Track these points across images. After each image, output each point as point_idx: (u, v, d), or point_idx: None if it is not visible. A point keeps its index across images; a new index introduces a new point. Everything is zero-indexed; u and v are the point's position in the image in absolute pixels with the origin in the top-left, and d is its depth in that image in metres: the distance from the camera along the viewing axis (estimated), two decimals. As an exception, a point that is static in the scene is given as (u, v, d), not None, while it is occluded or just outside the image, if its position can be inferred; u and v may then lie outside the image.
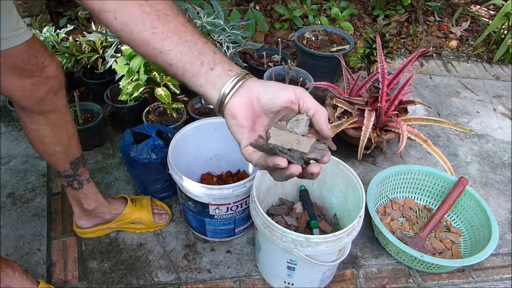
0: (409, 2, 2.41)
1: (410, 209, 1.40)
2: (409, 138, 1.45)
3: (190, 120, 1.46)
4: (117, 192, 1.42)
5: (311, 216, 1.21)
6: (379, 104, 1.45)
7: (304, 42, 2.03)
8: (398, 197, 1.44)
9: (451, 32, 2.50)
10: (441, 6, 2.64)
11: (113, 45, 1.51)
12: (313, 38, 2.06)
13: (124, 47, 1.44)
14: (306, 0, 2.29)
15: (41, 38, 1.71)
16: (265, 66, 1.84)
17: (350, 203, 1.15)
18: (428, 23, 2.54)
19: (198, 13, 1.50)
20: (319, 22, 2.25)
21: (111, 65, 1.47)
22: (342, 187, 1.17)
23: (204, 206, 1.14)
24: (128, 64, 1.41)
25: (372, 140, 1.46)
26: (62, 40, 1.75)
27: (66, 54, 1.68)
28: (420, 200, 1.44)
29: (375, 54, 1.67)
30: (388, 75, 1.49)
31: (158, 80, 1.43)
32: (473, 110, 1.94)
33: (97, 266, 1.21)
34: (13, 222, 1.32)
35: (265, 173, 1.12)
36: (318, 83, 1.60)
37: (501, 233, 1.35)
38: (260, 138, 0.51)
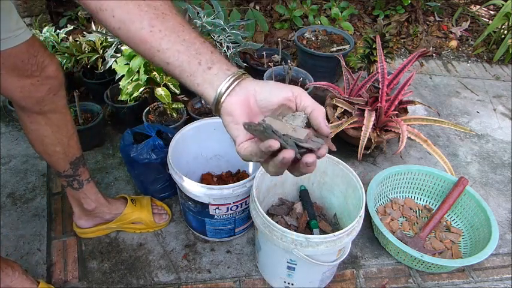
0: (409, 2, 2.41)
1: (410, 209, 1.40)
2: (409, 138, 1.45)
3: (190, 120, 1.46)
4: (117, 192, 1.42)
5: (311, 216, 1.21)
6: (379, 104, 1.45)
7: (304, 42, 2.03)
8: (398, 197, 1.44)
9: (451, 32, 2.50)
10: (441, 6, 2.64)
11: (113, 45, 1.51)
12: (313, 38, 2.06)
13: (124, 47, 1.44)
14: (306, 0, 2.29)
15: (41, 38, 1.71)
16: (265, 66, 1.84)
17: (350, 203, 1.15)
18: (428, 23, 2.54)
19: (198, 13, 1.50)
20: (319, 22, 2.25)
21: (111, 65, 1.47)
22: (342, 187, 1.17)
23: (204, 206, 1.14)
24: (128, 64, 1.41)
25: (372, 140, 1.46)
26: (62, 40, 1.75)
27: (66, 54, 1.68)
28: (420, 200, 1.44)
29: (375, 54, 1.67)
30: (388, 75, 1.49)
31: (158, 80, 1.43)
32: (473, 110, 1.94)
33: (97, 266, 1.21)
34: (13, 222, 1.32)
35: (265, 172, 1.12)
36: (318, 83, 1.60)
37: (501, 233, 1.35)
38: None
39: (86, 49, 1.71)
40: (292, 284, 1.11)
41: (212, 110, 0.51)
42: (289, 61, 1.78)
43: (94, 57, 1.67)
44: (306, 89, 1.62)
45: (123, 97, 1.44)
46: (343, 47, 2.00)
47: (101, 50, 1.69)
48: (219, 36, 1.51)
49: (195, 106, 1.64)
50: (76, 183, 1.13)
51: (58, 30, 1.78)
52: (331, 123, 1.51)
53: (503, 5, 2.25)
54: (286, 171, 0.50)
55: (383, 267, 1.25)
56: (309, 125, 0.50)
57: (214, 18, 1.50)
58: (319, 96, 1.87)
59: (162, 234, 1.31)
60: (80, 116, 1.54)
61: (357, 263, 1.25)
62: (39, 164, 1.53)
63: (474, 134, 1.79)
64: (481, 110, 1.95)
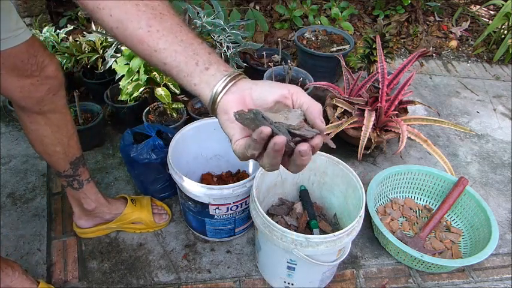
0: (409, 2, 2.41)
1: (410, 209, 1.40)
2: (409, 138, 1.45)
3: (190, 120, 1.46)
4: (117, 192, 1.42)
5: (311, 216, 1.21)
6: (379, 104, 1.45)
7: (304, 42, 2.03)
8: (398, 197, 1.44)
9: (451, 32, 2.50)
10: (441, 6, 2.64)
11: (113, 45, 1.51)
12: (313, 38, 2.06)
13: (124, 47, 1.44)
14: (306, 0, 2.29)
15: (41, 38, 1.71)
16: (265, 66, 1.84)
17: (350, 203, 1.15)
18: (428, 23, 2.54)
19: (198, 13, 1.50)
20: (319, 22, 2.25)
21: (111, 65, 1.47)
22: (342, 187, 1.17)
23: (204, 206, 1.14)
24: (127, 64, 1.41)
25: (372, 140, 1.46)
26: (62, 40, 1.75)
27: (66, 54, 1.68)
28: (420, 200, 1.44)
29: (375, 54, 1.67)
30: (388, 75, 1.49)
31: (158, 80, 1.43)
32: (473, 110, 1.94)
33: (97, 266, 1.21)
34: (13, 222, 1.32)
35: (265, 172, 1.13)
36: (318, 83, 1.60)
37: (501, 233, 1.35)
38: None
39: (86, 49, 1.71)
40: (292, 284, 1.11)
41: (209, 110, 0.51)
42: (289, 61, 1.78)
43: (94, 57, 1.67)
44: (306, 89, 1.62)
45: (123, 97, 1.44)
46: (343, 47, 2.00)
47: (101, 50, 1.69)
48: (219, 36, 1.51)
49: (195, 106, 1.64)
50: (76, 183, 1.13)
51: (58, 30, 1.78)
52: (331, 123, 1.51)
53: (503, 5, 2.25)
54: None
55: (383, 267, 1.25)
56: (305, 122, 0.49)
57: (214, 18, 1.50)
58: (319, 96, 1.87)
59: (162, 234, 1.31)
60: (80, 116, 1.54)
61: (357, 263, 1.25)
62: (39, 164, 1.53)
63: (474, 134, 1.79)
64: (481, 110, 1.95)
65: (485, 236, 1.22)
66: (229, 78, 0.49)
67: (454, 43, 2.41)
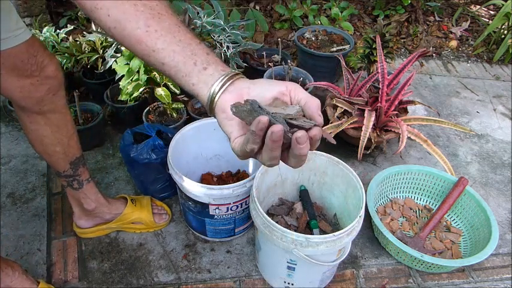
0: (409, 2, 2.41)
1: (410, 209, 1.40)
2: (409, 138, 1.45)
3: (190, 120, 1.46)
4: (117, 192, 1.42)
5: (311, 216, 1.21)
6: (379, 104, 1.45)
7: (304, 42, 2.03)
8: (398, 197, 1.44)
9: (451, 32, 2.50)
10: (441, 6, 2.64)
11: (113, 45, 1.51)
12: (313, 38, 2.06)
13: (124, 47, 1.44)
14: (306, 0, 2.29)
15: (41, 38, 1.71)
16: (265, 66, 1.84)
17: (350, 203, 1.14)
18: (428, 23, 2.54)
19: (198, 13, 1.50)
20: (319, 22, 2.25)
21: (111, 65, 1.47)
22: (342, 187, 1.17)
23: (204, 206, 1.14)
24: (127, 64, 1.41)
25: (372, 140, 1.46)
26: (62, 40, 1.75)
27: (66, 54, 1.68)
28: (420, 200, 1.44)
29: (375, 54, 1.67)
30: (388, 75, 1.49)
31: (158, 80, 1.43)
32: (473, 110, 1.94)
33: (97, 266, 1.21)
34: (13, 222, 1.32)
35: (265, 172, 1.13)
36: (318, 83, 1.60)
37: (501, 233, 1.35)
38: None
39: (86, 49, 1.71)
40: (292, 284, 1.11)
41: (207, 110, 0.51)
42: (289, 61, 1.78)
43: (94, 57, 1.67)
44: (306, 89, 1.62)
45: (123, 97, 1.44)
46: (343, 47, 2.00)
47: (101, 50, 1.69)
48: (219, 36, 1.51)
49: (195, 106, 1.64)
50: (76, 183, 1.13)
51: (58, 30, 1.78)
52: (331, 123, 1.51)
53: (503, 5, 2.25)
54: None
55: (383, 267, 1.25)
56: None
57: (214, 18, 1.50)
58: (319, 96, 1.86)
59: (162, 234, 1.31)
60: (80, 116, 1.54)
61: (357, 263, 1.25)
62: (39, 164, 1.53)
63: (474, 134, 1.79)
64: (481, 110, 1.95)
65: (485, 236, 1.22)
66: (226, 77, 0.49)
67: (454, 43, 2.41)
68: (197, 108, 1.64)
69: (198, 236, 1.30)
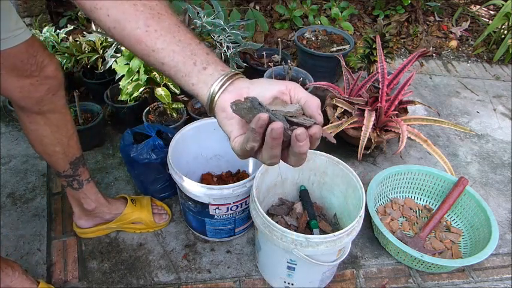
0: (409, 2, 2.41)
1: (410, 209, 1.40)
2: (409, 138, 1.45)
3: (190, 120, 1.46)
4: (117, 192, 1.42)
5: (311, 216, 1.21)
6: (379, 104, 1.45)
7: (304, 42, 2.03)
8: (398, 197, 1.44)
9: (451, 32, 2.50)
10: (441, 6, 2.64)
11: (113, 45, 1.51)
12: (313, 38, 2.06)
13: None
14: (306, 0, 2.29)
15: (41, 38, 1.71)
16: (265, 66, 1.84)
17: (350, 203, 1.14)
18: (428, 23, 2.54)
19: (198, 13, 1.50)
20: (319, 22, 2.25)
21: (111, 65, 1.47)
22: (342, 187, 1.17)
23: (204, 206, 1.14)
24: (127, 64, 1.41)
25: (372, 140, 1.45)
26: (62, 40, 1.75)
27: (66, 54, 1.68)
28: (420, 200, 1.44)
29: (375, 54, 1.67)
30: (388, 75, 1.49)
31: (158, 80, 1.43)
32: (473, 110, 1.94)
33: (97, 266, 1.21)
34: (13, 222, 1.32)
35: (265, 172, 1.13)
36: (318, 83, 1.60)
37: (501, 233, 1.35)
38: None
39: (86, 49, 1.71)
40: (292, 284, 1.11)
41: (206, 109, 0.51)
42: (289, 61, 1.78)
43: (94, 57, 1.67)
44: (306, 89, 1.62)
45: (123, 97, 1.44)
46: (343, 47, 2.00)
47: (101, 50, 1.69)
48: (219, 36, 1.51)
49: (195, 106, 1.64)
50: (76, 183, 1.13)
51: (58, 30, 1.78)
52: (331, 123, 1.51)
53: (503, 5, 2.25)
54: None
55: (383, 267, 1.25)
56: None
57: (214, 18, 1.50)
58: (319, 96, 1.84)
59: (162, 234, 1.31)
60: (80, 116, 1.54)
61: (357, 263, 1.25)
62: (39, 164, 1.53)
63: (474, 134, 1.79)
64: (481, 110, 1.95)
65: (485, 236, 1.22)
66: (226, 77, 0.49)
67: (454, 43, 2.41)
68: (197, 108, 1.64)
69: (198, 236, 1.30)
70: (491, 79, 2.18)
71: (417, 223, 1.36)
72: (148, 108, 1.56)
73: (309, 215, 1.22)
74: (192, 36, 0.52)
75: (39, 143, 1.02)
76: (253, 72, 1.82)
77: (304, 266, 1.02)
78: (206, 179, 1.39)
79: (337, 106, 1.53)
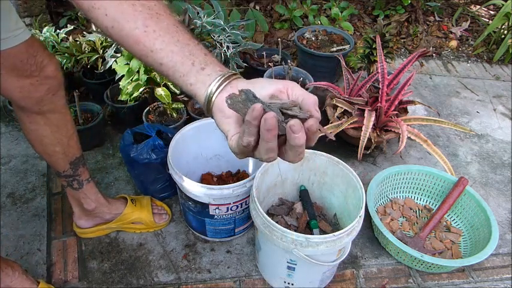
0: (409, 2, 2.41)
1: (410, 209, 1.40)
2: (409, 138, 1.45)
3: (190, 120, 1.46)
4: (117, 192, 1.42)
5: (311, 216, 1.21)
6: (379, 104, 1.45)
7: (304, 42, 2.03)
8: (398, 197, 1.44)
9: (451, 32, 2.50)
10: (441, 6, 2.64)
11: (113, 45, 1.51)
12: (313, 38, 2.06)
13: (124, 47, 1.44)
14: (306, 0, 2.29)
15: (41, 38, 1.71)
16: (265, 66, 1.84)
17: (350, 203, 1.14)
18: (428, 23, 2.54)
19: (198, 13, 1.50)
20: (319, 22, 2.25)
21: (111, 65, 1.47)
22: (342, 187, 1.17)
23: (204, 206, 1.14)
24: (127, 64, 1.41)
25: (372, 140, 1.45)
26: (62, 40, 1.75)
27: (66, 54, 1.68)
28: (420, 200, 1.44)
29: (375, 54, 1.67)
30: (388, 75, 1.49)
31: (158, 80, 1.43)
32: (473, 110, 1.94)
33: (97, 266, 1.21)
34: (13, 222, 1.32)
35: (265, 173, 1.13)
36: (318, 83, 1.60)
37: (501, 233, 1.35)
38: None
39: (86, 49, 1.71)
40: (292, 284, 1.11)
41: (204, 110, 0.51)
42: (289, 61, 1.78)
43: (94, 57, 1.67)
44: (306, 89, 1.62)
45: (123, 97, 1.44)
46: (343, 47, 2.00)
47: (101, 50, 1.69)
48: (219, 36, 1.51)
49: (195, 106, 1.64)
50: (76, 183, 1.13)
51: (58, 30, 1.78)
52: (331, 123, 1.51)
53: (503, 5, 2.25)
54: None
55: (383, 267, 1.25)
56: None
57: (214, 18, 1.50)
58: (319, 96, 1.84)
59: (162, 234, 1.31)
60: (80, 116, 1.54)
61: (357, 263, 1.25)
62: (39, 164, 1.53)
63: (474, 134, 1.79)
64: (481, 110, 1.95)
65: (485, 236, 1.22)
66: (223, 77, 0.49)
67: (454, 43, 2.41)
68: (197, 108, 1.64)
69: (198, 236, 1.30)
70: (491, 79, 2.18)
71: (417, 223, 1.36)
72: (148, 108, 1.56)
73: (309, 215, 1.22)
74: (190, 36, 0.52)
75: (39, 143, 1.02)
76: (253, 72, 1.82)
77: (304, 266, 1.02)
78: (206, 179, 1.39)
79: (337, 106, 1.53)
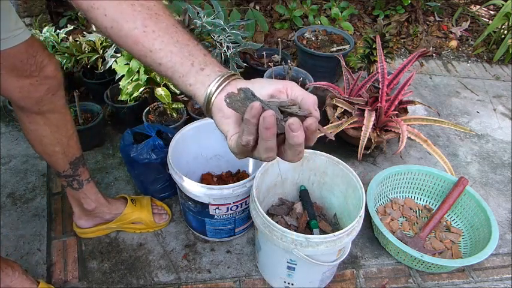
0: (409, 2, 2.41)
1: (410, 209, 1.40)
2: (409, 138, 1.45)
3: (190, 120, 1.46)
4: (117, 192, 1.42)
5: (311, 216, 1.21)
6: (379, 104, 1.45)
7: (304, 42, 2.03)
8: (398, 197, 1.44)
9: (451, 32, 2.50)
10: (441, 6, 2.64)
11: (113, 45, 1.51)
12: (313, 38, 2.06)
13: (124, 47, 1.44)
14: (306, 0, 2.29)
15: (41, 38, 1.71)
16: (265, 66, 1.84)
17: (350, 203, 1.14)
18: (428, 23, 2.54)
19: (198, 13, 1.50)
20: (319, 22, 2.25)
21: (111, 65, 1.47)
22: (342, 187, 1.17)
23: (204, 206, 1.14)
24: (127, 64, 1.41)
25: (372, 140, 1.45)
26: (62, 40, 1.75)
27: (66, 54, 1.68)
28: (420, 200, 1.44)
29: (375, 54, 1.67)
30: (388, 75, 1.49)
31: (158, 80, 1.43)
32: (473, 110, 1.94)
33: (97, 266, 1.21)
34: (13, 222, 1.32)
35: (265, 173, 1.13)
36: (318, 83, 1.60)
37: (501, 233, 1.35)
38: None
39: (86, 49, 1.71)
40: (292, 284, 1.11)
41: (203, 110, 0.51)
42: (289, 61, 1.78)
43: (94, 57, 1.67)
44: (306, 89, 1.62)
45: (123, 97, 1.44)
46: (343, 47, 2.00)
47: (101, 50, 1.69)
48: (219, 36, 1.51)
49: (195, 106, 1.64)
50: (76, 183, 1.13)
51: (58, 30, 1.78)
52: (331, 123, 1.51)
53: (503, 5, 2.25)
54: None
55: (383, 267, 1.25)
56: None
57: (214, 18, 1.50)
58: (319, 96, 1.85)
59: (162, 234, 1.31)
60: (80, 116, 1.54)
61: (357, 263, 1.25)
62: (39, 164, 1.53)
63: (474, 134, 1.79)
64: (481, 110, 1.95)
65: (485, 236, 1.22)
66: (222, 78, 0.49)
67: (454, 43, 2.41)
68: (197, 108, 1.64)
69: (198, 236, 1.30)
70: (491, 79, 2.18)
71: (417, 223, 1.36)
72: (148, 108, 1.56)
73: (309, 215, 1.22)
74: (189, 37, 0.52)
75: (38, 143, 1.02)
76: (253, 72, 1.82)
77: (304, 266, 1.02)
78: (206, 179, 1.39)
79: (337, 106, 1.53)
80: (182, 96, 1.59)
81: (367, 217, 1.28)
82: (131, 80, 1.42)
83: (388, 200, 1.43)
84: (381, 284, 1.20)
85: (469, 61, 2.32)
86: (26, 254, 1.23)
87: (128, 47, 0.51)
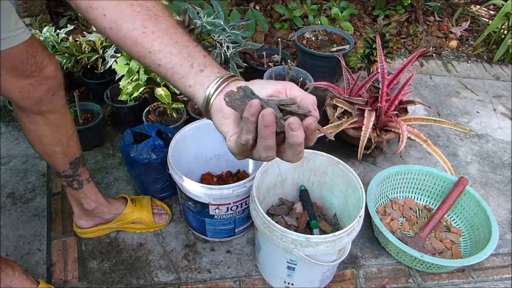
0: (409, 2, 2.41)
1: (410, 209, 1.40)
2: (409, 138, 1.45)
3: (190, 120, 1.46)
4: (117, 192, 1.42)
5: (311, 216, 1.21)
6: (379, 104, 1.45)
7: (304, 42, 2.03)
8: (398, 197, 1.44)
9: (451, 32, 2.50)
10: (441, 6, 2.64)
11: (113, 45, 1.51)
12: (313, 38, 2.06)
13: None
14: (306, 0, 2.29)
15: (41, 38, 1.71)
16: (265, 66, 1.84)
17: (350, 203, 1.14)
18: (428, 23, 2.54)
19: (198, 13, 1.50)
20: (319, 22, 2.25)
21: (111, 65, 1.47)
22: (342, 187, 1.17)
23: (204, 206, 1.14)
24: (127, 64, 1.41)
25: (372, 140, 1.45)
26: (62, 40, 1.75)
27: (66, 54, 1.68)
28: (420, 200, 1.44)
29: (375, 54, 1.67)
30: (388, 75, 1.49)
31: (158, 80, 1.43)
32: (473, 110, 1.94)
33: (97, 266, 1.21)
34: (13, 222, 1.32)
35: (265, 173, 1.13)
36: (318, 83, 1.60)
37: (501, 233, 1.35)
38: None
39: (86, 49, 1.71)
40: (292, 284, 1.11)
41: (202, 111, 0.51)
42: (289, 61, 1.78)
43: (94, 57, 1.67)
44: (306, 89, 1.62)
45: (123, 97, 1.44)
46: (343, 47, 2.00)
47: (101, 50, 1.69)
48: (219, 36, 1.51)
49: (195, 106, 1.64)
50: (76, 183, 1.13)
51: (58, 30, 1.78)
52: (331, 123, 1.51)
53: (503, 5, 2.25)
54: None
55: (383, 267, 1.25)
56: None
57: (214, 18, 1.50)
58: (319, 96, 1.87)
59: (162, 234, 1.31)
60: (80, 116, 1.54)
61: (357, 263, 1.25)
62: (39, 164, 1.53)
63: (474, 134, 1.79)
64: (481, 110, 1.95)
65: (485, 236, 1.22)
66: (222, 79, 0.49)
67: (454, 43, 2.41)
68: (197, 108, 1.63)
69: (198, 236, 1.30)
70: (491, 79, 2.18)
71: (417, 223, 1.36)
72: (148, 108, 1.56)
73: (309, 215, 1.22)
74: (189, 38, 0.52)
75: (38, 143, 1.02)
76: (253, 72, 1.82)
77: (304, 266, 1.02)
78: (206, 179, 1.39)
79: (337, 106, 1.53)
80: (182, 96, 1.59)
81: (367, 217, 1.28)
82: (131, 80, 1.42)
83: (388, 200, 1.43)
84: (381, 284, 1.20)
85: (469, 61, 2.32)
86: (26, 254, 1.23)
87: (127, 47, 0.51)
